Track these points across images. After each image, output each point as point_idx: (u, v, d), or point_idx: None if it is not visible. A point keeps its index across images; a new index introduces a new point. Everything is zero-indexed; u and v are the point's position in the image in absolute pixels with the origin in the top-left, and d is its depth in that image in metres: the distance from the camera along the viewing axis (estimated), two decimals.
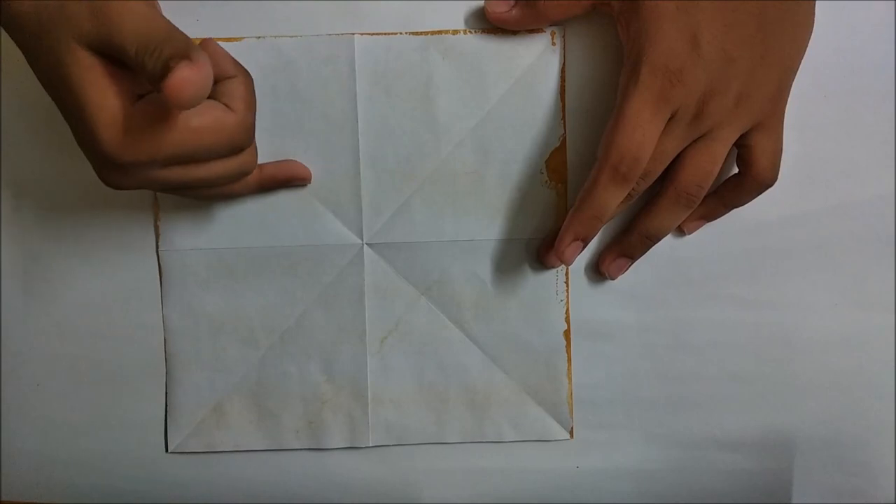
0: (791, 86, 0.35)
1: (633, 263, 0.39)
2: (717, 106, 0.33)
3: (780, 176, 0.36)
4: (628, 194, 0.35)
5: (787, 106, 0.35)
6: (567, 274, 0.40)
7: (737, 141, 0.35)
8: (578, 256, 0.39)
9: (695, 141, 0.34)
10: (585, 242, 0.37)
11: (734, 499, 0.41)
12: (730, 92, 0.33)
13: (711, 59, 0.32)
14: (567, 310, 0.40)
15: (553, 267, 0.40)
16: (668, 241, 0.39)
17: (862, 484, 0.41)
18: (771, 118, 0.34)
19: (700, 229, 0.39)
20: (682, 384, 0.41)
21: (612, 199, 0.34)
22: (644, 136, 0.33)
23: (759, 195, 0.37)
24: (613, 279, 0.40)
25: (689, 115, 0.33)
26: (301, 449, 0.41)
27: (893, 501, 0.41)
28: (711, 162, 0.34)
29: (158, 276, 0.40)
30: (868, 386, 0.41)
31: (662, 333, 0.40)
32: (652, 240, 0.38)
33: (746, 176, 0.36)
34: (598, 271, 0.40)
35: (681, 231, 0.39)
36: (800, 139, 0.38)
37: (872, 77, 0.39)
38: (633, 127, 0.33)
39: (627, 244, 0.38)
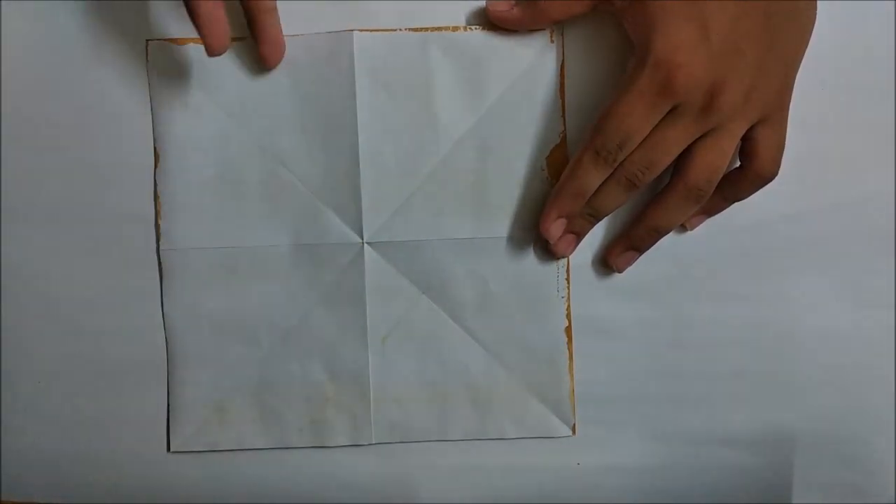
0: (795, 79, 0.35)
1: (640, 256, 0.39)
2: (727, 99, 0.33)
3: (780, 173, 0.36)
4: (633, 186, 0.35)
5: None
6: (568, 270, 0.40)
7: None
8: (579, 253, 0.39)
9: (703, 135, 0.34)
10: (570, 220, 0.37)
11: (735, 495, 0.41)
12: (739, 85, 0.33)
13: (720, 51, 0.32)
14: (568, 306, 0.40)
15: (558, 256, 0.39)
16: (670, 237, 0.39)
17: (862, 481, 0.41)
18: (777, 111, 0.35)
19: (701, 226, 0.40)
20: (682, 381, 0.41)
21: (593, 180, 0.35)
22: (633, 124, 0.33)
23: (759, 189, 0.37)
24: (620, 272, 0.40)
25: (696, 108, 0.33)
26: (304, 447, 0.41)
27: (894, 499, 0.41)
28: (721, 156, 0.34)
29: (159, 276, 0.40)
30: (868, 383, 0.41)
31: (663, 330, 0.40)
32: (660, 233, 0.38)
33: (748, 170, 0.36)
34: (606, 264, 0.40)
35: (682, 227, 0.40)
36: (800, 136, 0.38)
37: (873, 74, 0.39)
38: (625, 113, 0.33)
39: (635, 237, 0.38)
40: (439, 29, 0.38)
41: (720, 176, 0.35)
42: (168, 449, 0.41)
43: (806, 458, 0.41)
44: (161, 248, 0.40)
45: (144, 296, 0.40)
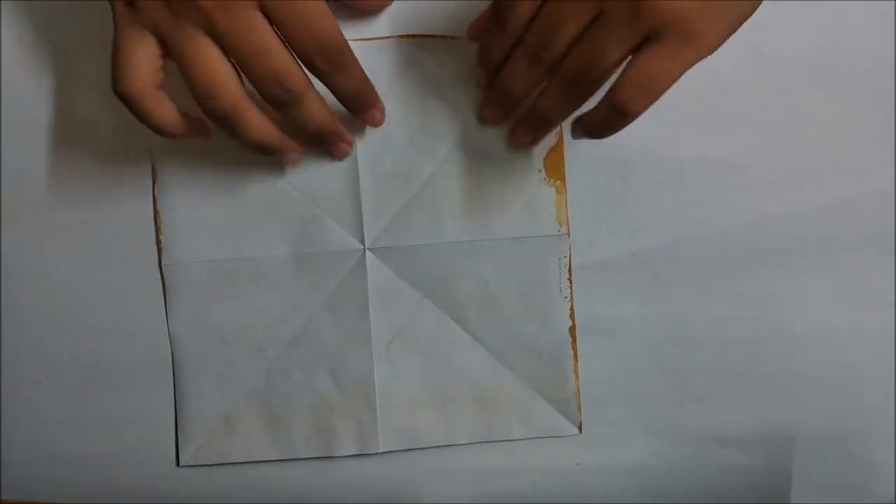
0: (736, 24, 0.30)
1: (533, 138, 0.38)
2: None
3: (780, 173, 0.36)
4: (573, 89, 0.32)
5: (787, 103, 0.35)
6: (570, 271, 0.40)
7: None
8: (581, 253, 0.40)
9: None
10: (520, 124, 0.37)
11: (735, 495, 0.42)
12: None
13: None
14: (571, 306, 0.40)
15: (512, 144, 0.38)
16: (670, 237, 0.40)
17: (861, 481, 0.42)
18: (682, 32, 0.29)
19: (701, 226, 0.39)
20: (683, 380, 0.41)
21: (519, 78, 0.34)
22: (558, 21, 0.31)
23: (613, 125, 0.32)
24: (523, 149, 0.39)
25: (623, 15, 0.29)
26: (312, 458, 0.41)
27: (893, 499, 0.41)
28: (596, 47, 0.30)
29: (162, 289, 0.40)
30: (868, 382, 0.41)
31: (665, 329, 0.41)
32: (540, 118, 0.36)
33: (608, 93, 0.31)
34: (509, 143, 0.39)
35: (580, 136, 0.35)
36: (799, 135, 0.38)
37: (871, 73, 0.39)
38: (552, 11, 0.31)
39: (522, 116, 0.37)
40: (433, 36, 0.38)
41: (592, 70, 0.31)
42: (177, 463, 0.41)
43: (805, 458, 0.41)
44: (163, 262, 0.40)
45: (150, 304, 0.40)
